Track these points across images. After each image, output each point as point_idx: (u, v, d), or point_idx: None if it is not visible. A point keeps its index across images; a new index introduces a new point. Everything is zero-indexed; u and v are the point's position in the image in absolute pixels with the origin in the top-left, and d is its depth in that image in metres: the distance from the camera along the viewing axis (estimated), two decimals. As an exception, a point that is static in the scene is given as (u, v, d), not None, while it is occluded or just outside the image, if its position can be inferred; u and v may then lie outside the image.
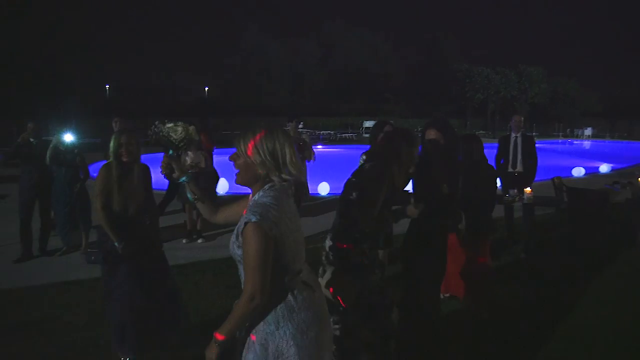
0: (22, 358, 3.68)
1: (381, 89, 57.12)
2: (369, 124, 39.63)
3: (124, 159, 3.40)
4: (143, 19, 62.84)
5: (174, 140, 2.46)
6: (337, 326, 2.88)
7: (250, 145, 1.88)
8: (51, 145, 5.77)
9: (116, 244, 3.35)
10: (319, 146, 24.90)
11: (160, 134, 2.46)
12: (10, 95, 36.75)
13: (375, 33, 61.05)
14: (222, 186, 10.11)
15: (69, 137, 5.87)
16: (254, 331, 1.92)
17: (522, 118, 7.35)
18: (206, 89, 56.12)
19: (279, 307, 1.87)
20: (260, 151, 1.87)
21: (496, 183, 5.01)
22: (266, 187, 1.91)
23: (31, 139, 5.90)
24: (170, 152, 2.41)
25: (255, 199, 1.90)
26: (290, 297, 1.89)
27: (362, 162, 4.36)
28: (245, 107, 47.32)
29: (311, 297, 1.95)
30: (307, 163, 6.96)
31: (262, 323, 1.89)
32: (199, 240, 6.99)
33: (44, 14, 45.31)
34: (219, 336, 1.83)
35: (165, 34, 60.68)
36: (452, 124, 3.63)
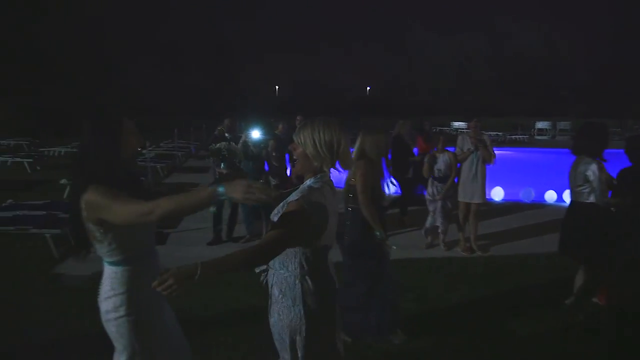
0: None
1: (558, 86, 51.54)
2: (542, 125, 35.99)
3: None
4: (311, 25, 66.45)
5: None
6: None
7: (309, 137, 2.06)
8: (241, 141, 6.24)
9: (378, 234, 3.59)
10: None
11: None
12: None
13: (552, 23, 55.28)
14: (497, 193, 9.68)
15: (256, 134, 6.32)
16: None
17: None
18: (368, 88, 57.18)
19: (297, 286, 2.06)
20: (317, 143, 2.05)
21: None
22: (318, 175, 2.10)
23: (226, 134, 6.40)
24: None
25: (306, 183, 2.10)
26: (308, 279, 2.07)
27: None
28: (406, 106, 46.94)
29: (324, 286, 2.13)
30: (486, 166, 6.36)
31: (283, 282, 2.10)
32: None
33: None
34: (206, 269, 1.73)
35: (328, 36, 63.07)
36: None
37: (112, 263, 2.16)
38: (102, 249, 2.12)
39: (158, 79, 45.82)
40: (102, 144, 2.05)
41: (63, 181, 9.05)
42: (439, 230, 6.35)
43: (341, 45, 60.61)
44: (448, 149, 6.33)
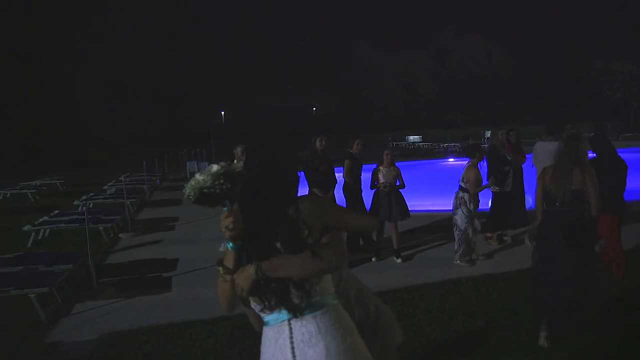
0: None
1: (495, 97, 53.96)
2: (490, 134, 37.27)
3: None
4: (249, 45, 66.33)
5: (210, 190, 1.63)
6: None
7: None
8: None
9: None
10: (451, 159, 23.60)
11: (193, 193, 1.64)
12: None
13: (488, 38, 57.98)
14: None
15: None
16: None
17: None
18: (314, 109, 57.33)
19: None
20: None
21: None
22: None
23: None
24: (225, 207, 1.63)
25: None
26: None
27: None
28: (358, 122, 47.31)
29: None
30: None
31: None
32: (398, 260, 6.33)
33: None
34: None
35: (273, 53, 63.21)
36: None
37: (337, 297, 1.81)
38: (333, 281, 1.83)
39: (102, 110, 43.74)
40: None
41: (27, 228, 7.93)
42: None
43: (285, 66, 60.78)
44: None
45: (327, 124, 43.51)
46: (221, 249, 1.77)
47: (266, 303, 1.68)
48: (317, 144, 5.91)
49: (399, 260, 6.29)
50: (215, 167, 1.62)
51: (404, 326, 4.05)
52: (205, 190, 1.60)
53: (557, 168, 3.79)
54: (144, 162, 13.24)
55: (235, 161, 5.70)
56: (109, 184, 14.48)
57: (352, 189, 6.52)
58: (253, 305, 1.72)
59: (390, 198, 6.22)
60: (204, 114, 48.96)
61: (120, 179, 15.34)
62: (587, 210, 3.70)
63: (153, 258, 7.02)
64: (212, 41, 65.47)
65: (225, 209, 1.62)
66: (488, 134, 37.80)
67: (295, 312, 1.67)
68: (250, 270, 1.63)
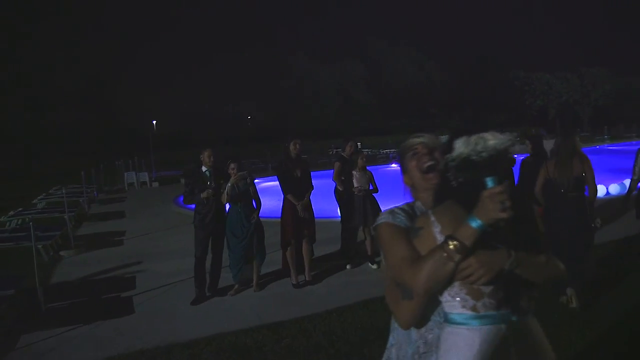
0: None
1: (427, 104, 56.11)
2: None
3: None
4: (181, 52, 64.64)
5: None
6: None
7: None
8: (229, 184, 5.18)
9: None
10: (394, 165, 23.98)
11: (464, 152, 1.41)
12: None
13: (419, 49, 60.33)
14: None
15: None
16: None
17: None
18: (249, 117, 56.71)
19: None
20: None
21: None
22: None
23: (203, 168, 5.32)
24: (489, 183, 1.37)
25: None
26: None
27: None
28: (295, 130, 47.24)
29: None
30: None
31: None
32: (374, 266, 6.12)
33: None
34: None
35: (212, 61, 61.90)
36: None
37: None
38: None
39: (22, 118, 40.47)
40: None
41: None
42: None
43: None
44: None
45: (264, 132, 43.10)
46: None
47: (489, 301, 1.42)
48: (291, 147, 5.58)
49: (374, 267, 6.10)
50: (493, 140, 1.37)
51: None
52: (475, 158, 1.36)
53: (559, 160, 4.31)
54: (83, 173, 12.19)
55: (203, 167, 5.31)
56: (39, 197, 13.18)
57: (342, 193, 6.31)
58: (458, 297, 1.44)
59: (365, 203, 6.04)
60: (135, 123, 46.73)
61: (50, 191, 14.11)
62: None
63: (106, 277, 6.34)
64: (146, 48, 63.11)
65: (490, 185, 1.35)
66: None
67: (521, 314, 1.45)
68: (502, 257, 1.38)
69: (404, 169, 1.70)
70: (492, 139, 1.36)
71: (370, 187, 6.16)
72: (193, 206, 5.48)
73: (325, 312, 4.59)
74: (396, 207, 1.63)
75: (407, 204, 1.67)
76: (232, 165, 5.21)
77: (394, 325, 1.68)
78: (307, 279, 5.63)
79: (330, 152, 33.31)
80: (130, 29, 68.04)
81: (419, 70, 57.77)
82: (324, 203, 7.54)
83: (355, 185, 6.06)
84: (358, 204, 6.04)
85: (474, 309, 1.43)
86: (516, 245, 1.41)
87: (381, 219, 1.59)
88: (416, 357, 1.58)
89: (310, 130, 47.63)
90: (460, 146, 1.39)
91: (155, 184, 18.91)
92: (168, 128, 51.64)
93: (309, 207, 5.65)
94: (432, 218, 1.47)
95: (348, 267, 6.16)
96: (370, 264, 6.14)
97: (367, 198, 6.07)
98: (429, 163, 1.60)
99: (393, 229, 1.54)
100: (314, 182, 5.75)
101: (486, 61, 53.64)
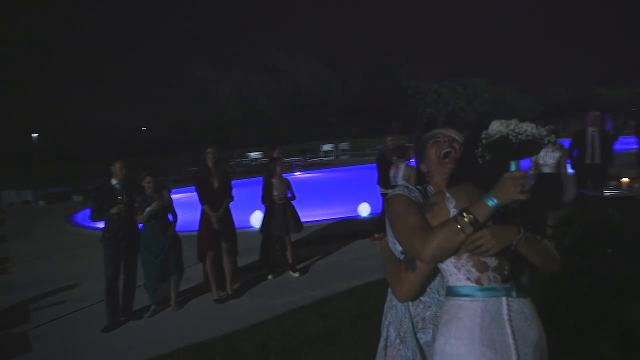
0: None
1: (326, 113, 57.62)
2: (327, 147, 39.40)
3: None
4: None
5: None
6: None
7: None
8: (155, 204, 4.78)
9: None
10: (297, 173, 24.05)
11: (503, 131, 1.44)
12: None
13: (318, 59, 61.78)
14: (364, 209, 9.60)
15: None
16: None
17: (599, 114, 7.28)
18: (143, 129, 53.99)
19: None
20: None
21: None
22: None
23: (112, 180, 4.84)
24: (514, 165, 1.44)
25: None
26: None
27: None
28: (195, 141, 45.83)
29: None
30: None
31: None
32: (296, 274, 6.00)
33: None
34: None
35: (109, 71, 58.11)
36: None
37: None
38: None
39: None
40: None
41: None
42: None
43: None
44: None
45: (163, 142, 41.20)
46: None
47: (493, 275, 1.49)
48: (208, 157, 5.31)
49: (296, 275, 6.01)
50: (531, 127, 1.43)
51: (332, 343, 3.80)
52: (513, 138, 1.41)
53: None
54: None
55: (112, 179, 4.85)
56: None
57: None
58: (464, 268, 1.51)
59: (285, 210, 5.94)
60: (13, 137, 42.07)
61: None
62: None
63: (-9, 312, 5.52)
64: (27, 56, 57.33)
65: (514, 168, 1.44)
66: (325, 147, 40.04)
67: (521, 291, 1.54)
68: (512, 232, 1.46)
69: (421, 157, 1.81)
70: (530, 126, 1.43)
71: (289, 195, 6.09)
72: (99, 223, 4.99)
73: (253, 325, 4.39)
74: (410, 185, 1.74)
75: (421, 185, 1.77)
76: (147, 179, 4.83)
77: (391, 304, 1.76)
78: (229, 292, 5.39)
79: (232, 163, 32.78)
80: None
81: (318, 79, 59.14)
82: (243, 214, 7.31)
83: (275, 193, 5.94)
84: (278, 212, 5.92)
85: (478, 281, 1.50)
86: (524, 226, 1.50)
87: (397, 191, 1.68)
88: (414, 332, 1.66)
89: (211, 140, 46.56)
90: (499, 126, 1.45)
91: (42, 203, 17.14)
92: (52, 142, 47.30)
93: (228, 218, 5.41)
94: (447, 194, 1.55)
95: (270, 277, 6.00)
96: (291, 273, 6.04)
97: (286, 206, 5.98)
98: (447, 149, 1.72)
99: (408, 200, 1.62)
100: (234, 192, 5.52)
101: (381, 70, 56.46)
